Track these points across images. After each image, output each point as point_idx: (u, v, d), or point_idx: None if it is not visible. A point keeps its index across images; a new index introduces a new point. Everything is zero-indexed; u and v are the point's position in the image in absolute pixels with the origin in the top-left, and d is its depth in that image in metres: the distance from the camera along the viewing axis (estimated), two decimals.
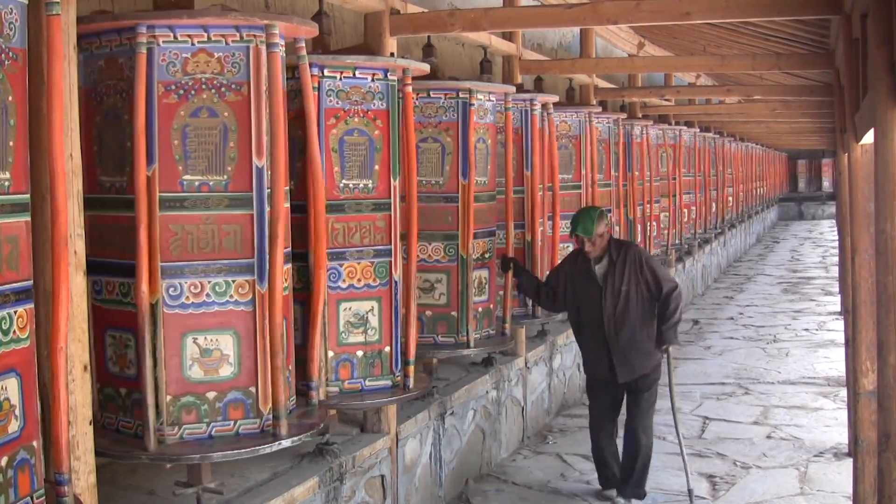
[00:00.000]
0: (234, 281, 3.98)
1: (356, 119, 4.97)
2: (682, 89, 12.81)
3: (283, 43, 4.15)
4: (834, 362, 10.44)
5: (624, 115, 11.19)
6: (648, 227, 12.01)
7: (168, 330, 3.93)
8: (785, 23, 8.63)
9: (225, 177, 3.96)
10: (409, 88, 5.16)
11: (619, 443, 6.48)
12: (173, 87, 3.90)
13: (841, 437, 7.62)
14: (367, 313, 5.06)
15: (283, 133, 3.96)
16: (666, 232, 13.36)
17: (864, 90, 4.37)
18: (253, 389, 4.02)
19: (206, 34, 3.91)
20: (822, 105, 12.05)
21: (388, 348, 5.12)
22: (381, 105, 5.02)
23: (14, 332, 2.90)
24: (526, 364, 7.92)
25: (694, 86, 14.54)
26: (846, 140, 5.92)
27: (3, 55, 2.82)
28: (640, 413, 6.25)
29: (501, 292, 6.95)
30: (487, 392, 7.10)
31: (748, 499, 6.51)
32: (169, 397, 3.95)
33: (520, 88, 7.81)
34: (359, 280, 5.03)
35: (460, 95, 6.20)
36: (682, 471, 6.28)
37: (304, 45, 4.27)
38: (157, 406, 3.91)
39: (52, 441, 3.11)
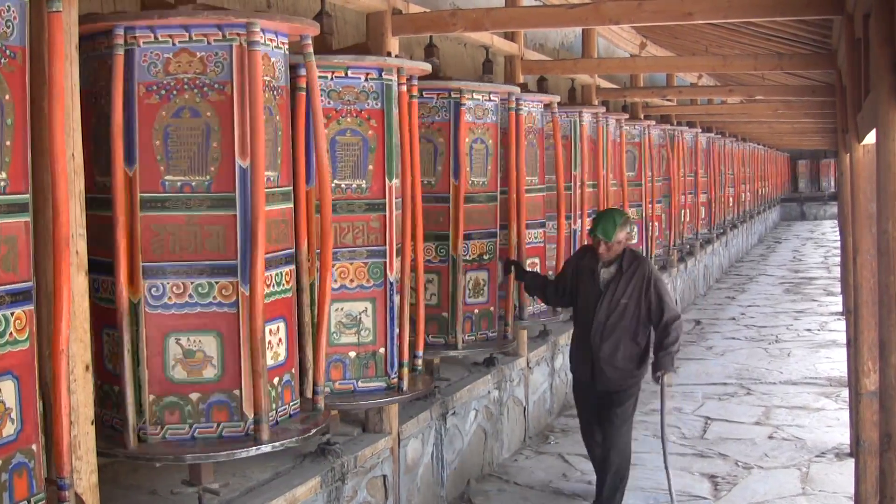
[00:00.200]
0: (217, 282, 3.95)
1: (349, 119, 4.95)
2: (683, 89, 12.80)
3: (269, 40, 4.05)
4: (836, 362, 10.43)
5: (626, 116, 11.19)
6: (650, 227, 12.00)
7: (150, 329, 3.94)
8: (787, 23, 8.63)
9: (208, 177, 3.93)
10: (405, 88, 5.12)
11: None
12: (155, 87, 3.90)
13: (843, 437, 7.62)
14: (360, 314, 5.03)
15: (262, 132, 3.89)
16: (668, 232, 13.35)
17: (866, 90, 4.36)
18: (237, 392, 3.98)
19: (187, 34, 3.89)
20: (824, 105, 12.05)
21: (382, 350, 5.08)
22: (376, 105, 4.99)
23: (10, 334, 2.87)
24: (528, 364, 7.92)
25: (696, 86, 14.53)
26: (848, 140, 5.91)
27: None
28: (613, 431, 5.97)
29: (503, 293, 6.93)
30: (489, 392, 7.10)
31: (750, 499, 6.50)
32: (152, 396, 3.95)
33: (524, 88, 7.80)
34: (351, 280, 5.00)
35: (452, 95, 6.19)
36: (683, 470, 6.28)
37: (310, 42, 4.22)
38: (140, 405, 3.92)
39: (54, 444, 3.10)
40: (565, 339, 8.74)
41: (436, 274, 6.28)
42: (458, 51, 8.76)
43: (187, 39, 3.89)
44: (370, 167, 5.01)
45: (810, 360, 10.95)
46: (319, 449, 4.98)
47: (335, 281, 4.91)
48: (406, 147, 5.16)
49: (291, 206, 4.29)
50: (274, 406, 4.11)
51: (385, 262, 5.05)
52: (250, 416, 3.98)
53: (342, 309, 4.98)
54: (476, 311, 6.59)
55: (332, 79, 4.91)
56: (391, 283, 5.08)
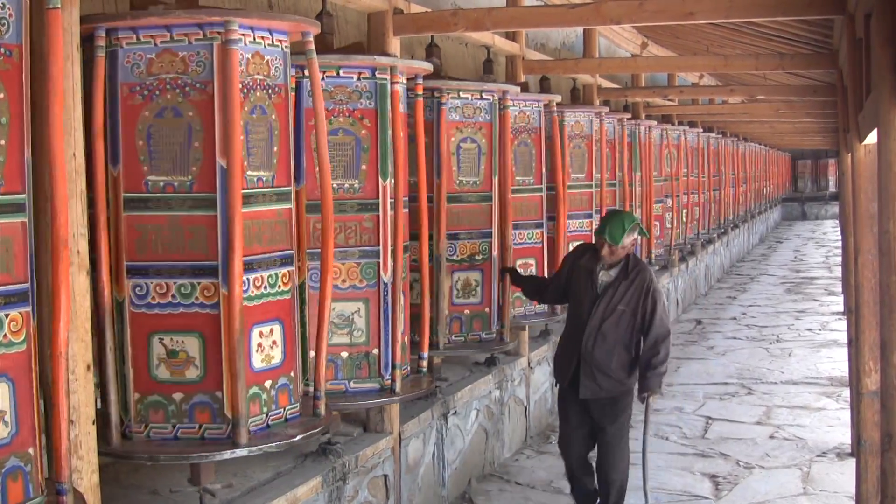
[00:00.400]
0: (199, 283, 3.92)
1: (341, 119, 4.93)
2: (685, 89, 12.79)
3: (260, 38, 4.00)
4: (837, 362, 10.43)
5: (628, 115, 11.19)
6: (651, 227, 12.00)
7: (134, 329, 3.94)
8: (788, 23, 8.62)
9: (189, 177, 3.91)
10: (397, 87, 5.03)
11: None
12: (138, 88, 3.89)
13: (844, 437, 7.61)
14: (352, 314, 5.00)
15: (237, 131, 3.83)
16: (669, 232, 13.34)
17: (867, 90, 4.36)
18: (219, 394, 3.94)
19: (168, 34, 3.87)
20: (826, 105, 12.04)
21: (375, 350, 5.04)
22: (369, 104, 4.96)
23: (5, 336, 2.84)
24: (529, 364, 7.92)
25: (697, 86, 14.52)
26: (849, 140, 5.91)
27: None
28: (611, 451, 5.75)
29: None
30: (490, 392, 7.10)
31: (751, 499, 6.50)
32: (137, 395, 3.95)
33: (524, 88, 7.79)
34: (343, 281, 4.97)
35: (435, 95, 6.15)
36: (684, 470, 6.27)
37: (311, 40, 4.18)
38: (125, 403, 3.93)
39: (53, 447, 3.07)
40: None
41: (418, 273, 6.19)
42: (460, 51, 8.77)
43: (169, 39, 3.88)
44: (363, 167, 4.98)
45: (811, 360, 10.94)
46: (321, 449, 4.98)
47: None
48: (397, 147, 5.05)
49: (290, 206, 4.22)
50: (265, 409, 4.05)
51: (378, 263, 5.02)
52: (231, 418, 3.93)
53: (333, 309, 4.91)
54: (467, 311, 6.52)
55: (323, 79, 4.85)
56: (385, 284, 5.04)
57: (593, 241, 5.99)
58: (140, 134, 3.90)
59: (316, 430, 4.20)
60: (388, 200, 5.04)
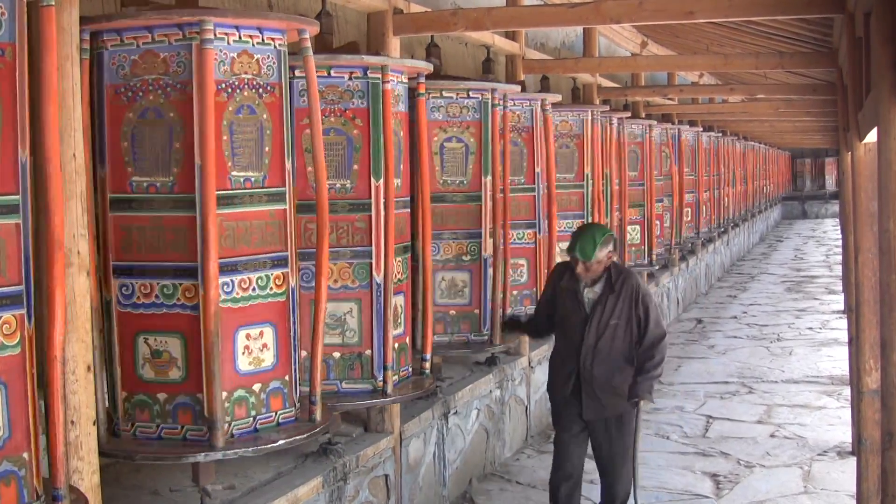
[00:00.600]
0: (181, 284, 3.91)
1: (332, 119, 4.90)
2: (685, 88, 12.82)
3: (248, 37, 3.97)
4: (837, 361, 10.42)
5: (628, 114, 11.20)
6: (651, 227, 11.99)
7: (121, 328, 3.96)
8: (788, 22, 8.62)
9: (171, 178, 3.91)
10: (388, 86, 4.94)
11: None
12: (122, 89, 3.90)
13: (844, 435, 7.61)
14: (344, 315, 4.98)
15: (211, 131, 3.80)
16: (669, 231, 13.35)
17: (867, 89, 4.36)
18: (200, 396, 3.92)
19: (150, 35, 3.87)
20: (826, 104, 12.04)
21: (368, 351, 5.00)
22: (361, 104, 4.93)
23: None
24: (529, 363, 7.92)
25: (697, 85, 14.53)
26: (849, 139, 5.91)
27: None
28: (615, 466, 5.44)
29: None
30: (491, 391, 7.10)
31: (752, 497, 6.50)
32: (124, 394, 3.97)
33: (523, 87, 7.79)
34: (335, 281, 4.94)
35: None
36: (685, 469, 6.27)
37: (307, 38, 4.17)
38: (113, 401, 3.95)
39: (50, 452, 3.03)
40: None
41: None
42: (460, 50, 8.76)
43: (150, 41, 3.88)
44: (355, 167, 4.95)
45: (812, 359, 10.94)
46: (321, 449, 4.97)
47: None
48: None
49: (283, 207, 4.15)
50: (252, 412, 4.02)
51: (371, 263, 4.98)
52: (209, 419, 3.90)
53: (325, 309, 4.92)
54: (452, 312, 6.47)
55: None
56: (378, 285, 5.00)
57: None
58: (125, 135, 3.92)
59: (301, 437, 4.13)
60: (381, 200, 4.99)
